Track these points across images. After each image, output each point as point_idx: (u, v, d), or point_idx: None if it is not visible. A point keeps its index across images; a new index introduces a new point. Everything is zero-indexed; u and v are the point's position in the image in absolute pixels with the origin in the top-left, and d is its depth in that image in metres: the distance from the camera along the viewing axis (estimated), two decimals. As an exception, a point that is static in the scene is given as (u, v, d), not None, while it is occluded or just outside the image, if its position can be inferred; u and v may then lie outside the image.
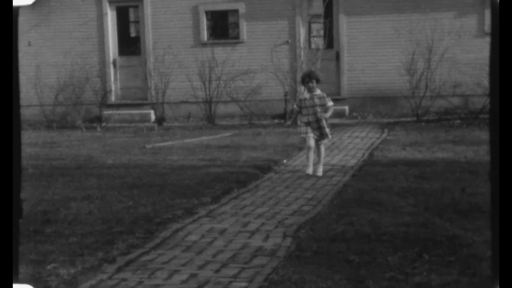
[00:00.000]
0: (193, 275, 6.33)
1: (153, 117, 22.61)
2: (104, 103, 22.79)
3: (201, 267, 6.59)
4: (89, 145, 16.84)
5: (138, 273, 6.41)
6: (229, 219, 8.70)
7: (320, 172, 11.92)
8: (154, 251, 7.20)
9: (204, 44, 22.57)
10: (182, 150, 15.36)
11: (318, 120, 11.94)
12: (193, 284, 6.08)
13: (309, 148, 12.00)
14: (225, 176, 11.63)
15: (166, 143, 16.78)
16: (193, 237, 7.78)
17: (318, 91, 11.99)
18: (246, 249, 7.25)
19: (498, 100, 3.72)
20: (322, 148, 12.25)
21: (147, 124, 22.06)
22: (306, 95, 12.00)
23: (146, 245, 7.44)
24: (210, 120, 21.70)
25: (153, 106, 22.54)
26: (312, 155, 12.01)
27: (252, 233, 7.97)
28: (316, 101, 11.90)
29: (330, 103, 12.02)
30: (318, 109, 11.89)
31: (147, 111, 22.87)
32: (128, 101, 23.38)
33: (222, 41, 22.61)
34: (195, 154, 14.62)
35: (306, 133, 11.98)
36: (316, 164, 12.08)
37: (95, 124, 21.83)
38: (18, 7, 3.58)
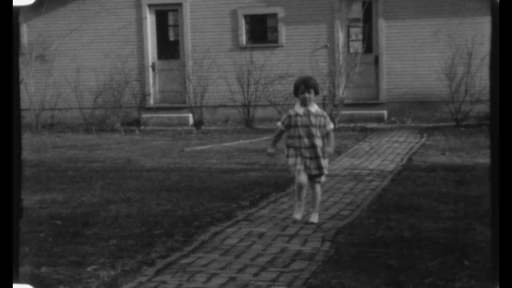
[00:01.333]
0: (232, 279, 6.33)
1: (191, 120, 22.67)
2: (143, 106, 22.89)
3: (239, 271, 6.59)
4: (128, 148, 16.93)
5: (177, 276, 6.43)
6: (267, 223, 8.69)
7: (315, 219, 8.65)
8: (193, 254, 7.22)
9: (242, 48, 22.60)
10: (220, 154, 15.38)
11: (312, 147, 8.49)
12: (232, 287, 6.08)
13: (299, 186, 8.65)
14: (263, 180, 11.63)
15: (204, 147, 16.82)
16: (231, 241, 7.78)
17: (315, 107, 8.59)
18: (285, 253, 7.24)
19: (499, 102, 3.70)
20: (318, 188, 8.77)
21: (185, 127, 22.12)
22: (299, 109, 8.55)
23: (185, 248, 7.46)
24: (248, 124, 21.71)
25: (191, 109, 22.61)
26: (304, 195, 8.71)
27: (291, 237, 7.96)
28: (312, 120, 8.50)
29: (330, 126, 8.65)
30: (314, 131, 8.50)
31: (185, 115, 22.93)
32: (167, 105, 23.47)
33: (260, 45, 22.62)
34: (233, 158, 14.64)
35: (295, 165, 8.58)
36: (310, 208, 8.85)
37: (133, 127, 21.94)
38: (18, 7, 3.59)
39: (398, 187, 10.92)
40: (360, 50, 21.74)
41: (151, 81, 23.41)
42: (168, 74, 23.50)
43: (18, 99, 3.63)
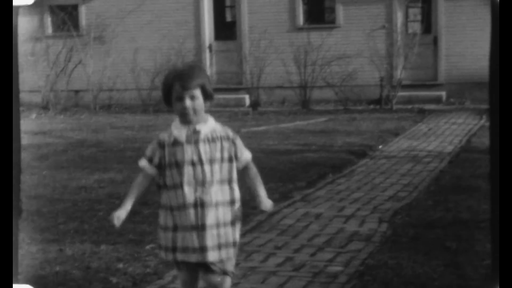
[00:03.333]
0: (289, 258, 6.35)
1: (248, 101, 22.68)
2: (200, 87, 22.94)
3: (296, 251, 6.60)
4: (185, 129, 16.99)
5: (234, 255, 6.45)
6: (324, 203, 8.68)
7: None
8: (249, 233, 7.24)
9: (300, 29, 22.52)
10: (276, 135, 15.38)
11: (202, 205, 4.33)
12: (289, 267, 6.09)
13: None
14: (320, 161, 11.61)
15: (261, 128, 16.83)
16: (288, 221, 7.80)
17: (210, 123, 4.46)
18: (342, 234, 7.23)
19: (499, 98, 3.67)
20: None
21: (241, 108, 22.14)
22: (178, 131, 4.41)
23: (242, 228, 7.47)
24: (305, 105, 21.65)
25: (248, 90, 22.61)
26: None
27: (348, 218, 7.94)
28: (203, 149, 4.38)
29: (246, 155, 4.54)
30: (209, 171, 4.36)
31: (242, 96, 22.95)
32: (223, 86, 23.50)
33: (318, 25, 22.50)
34: (289, 139, 14.63)
35: (171, 250, 4.42)
36: None
37: (190, 108, 22.02)
38: (18, 7, 3.60)
39: (456, 169, 10.81)
40: (418, 31, 21.51)
41: (208, 62, 23.45)
42: (225, 55, 23.53)
43: (18, 99, 3.65)
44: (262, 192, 4.53)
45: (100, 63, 22.99)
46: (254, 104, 22.08)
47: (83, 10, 24.02)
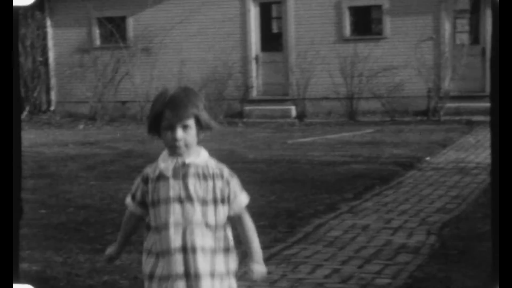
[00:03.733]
0: (336, 270, 6.30)
1: (294, 112, 22.65)
2: (246, 99, 23.01)
3: (344, 263, 6.56)
4: (231, 140, 17.02)
5: (281, 266, 6.43)
6: (371, 215, 8.62)
7: None
8: (296, 245, 7.21)
9: (346, 40, 22.46)
10: (323, 146, 15.33)
11: (192, 251, 3.57)
12: (336, 279, 6.05)
13: None
14: (367, 173, 11.54)
15: (307, 139, 16.80)
16: (335, 233, 7.75)
17: (202, 156, 3.69)
18: (389, 246, 7.16)
19: (499, 101, 3.63)
20: None
21: (288, 119, 22.13)
22: (163, 164, 3.64)
23: (288, 239, 7.45)
24: (351, 117, 21.58)
25: (294, 101, 22.60)
26: None
27: (395, 230, 7.87)
28: (193, 186, 3.60)
29: (241, 200, 3.72)
30: (198, 211, 3.59)
31: (288, 107, 22.93)
32: (270, 97, 23.51)
33: (364, 36, 22.43)
34: (336, 150, 14.57)
35: None
36: None
37: (236, 119, 22.07)
38: (18, 7, 3.60)
39: (505, 181, 10.66)
40: (466, 42, 21.34)
41: (254, 73, 23.48)
42: (271, 66, 23.53)
43: (18, 99, 3.65)
44: (255, 254, 3.71)
45: (147, 74, 23.13)
46: (300, 115, 22.06)
47: (130, 22, 24.21)
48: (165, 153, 3.63)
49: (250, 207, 8.81)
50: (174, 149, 3.57)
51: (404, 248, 7.06)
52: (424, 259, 6.62)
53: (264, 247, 7.05)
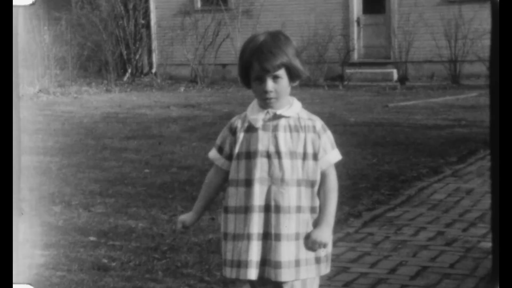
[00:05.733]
0: (440, 233, 6.23)
1: (395, 76, 22.42)
2: (347, 62, 22.84)
3: (448, 225, 6.47)
4: (331, 103, 16.95)
5: (384, 228, 6.39)
6: (475, 179, 8.47)
7: None
8: (399, 207, 7.15)
9: (451, 2, 22.03)
10: (425, 110, 15.14)
11: (277, 210, 3.29)
12: (441, 242, 5.98)
13: None
14: (471, 137, 11.34)
15: (408, 103, 16.60)
16: (438, 196, 7.65)
17: (294, 107, 3.38)
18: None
19: (499, 98, 3.56)
20: None
21: (389, 83, 21.91)
22: (255, 116, 3.37)
23: (391, 201, 7.40)
24: (455, 80, 21.23)
25: (396, 65, 22.35)
26: None
27: (501, 194, 7.72)
28: (285, 139, 3.33)
29: (330, 157, 3.39)
30: (288, 168, 3.31)
31: (389, 70, 22.70)
32: (371, 60, 23.31)
33: (469, -2, 21.97)
34: (439, 114, 14.37)
35: (238, 264, 3.38)
36: None
37: (337, 83, 21.96)
38: (18, 7, 3.57)
39: None
40: None
41: (355, 36, 23.29)
42: (373, 28, 23.29)
43: (18, 99, 3.64)
44: (324, 217, 3.35)
45: (248, 37, 23.13)
46: (402, 79, 21.81)
47: (232, -15, 24.27)
48: (254, 103, 3.39)
49: (352, 169, 8.76)
50: (264, 101, 3.33)
51: (510, 213, 6.93)
52: (531, 224, 6.48)
53: (367, 208, 7.07)
